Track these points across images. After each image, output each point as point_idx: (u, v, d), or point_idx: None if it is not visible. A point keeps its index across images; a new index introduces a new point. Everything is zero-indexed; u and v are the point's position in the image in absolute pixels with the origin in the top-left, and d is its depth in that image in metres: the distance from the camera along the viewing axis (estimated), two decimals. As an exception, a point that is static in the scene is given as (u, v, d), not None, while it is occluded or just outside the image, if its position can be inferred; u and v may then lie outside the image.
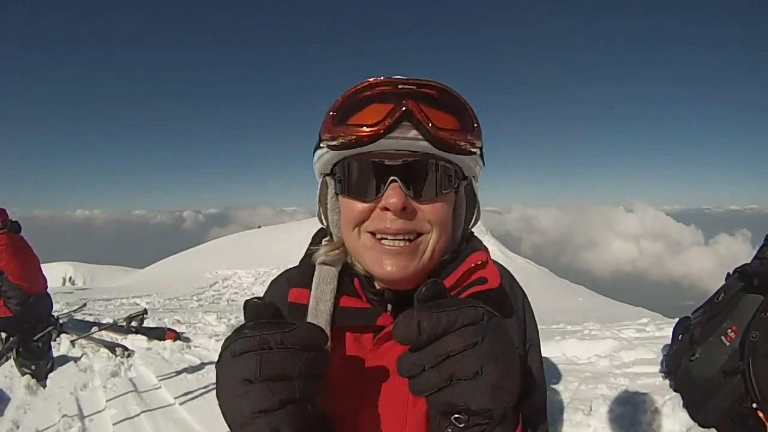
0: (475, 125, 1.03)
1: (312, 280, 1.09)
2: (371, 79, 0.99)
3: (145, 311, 5.65)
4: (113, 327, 5.35)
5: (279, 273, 1.32)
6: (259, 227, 34.29)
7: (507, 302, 1.17)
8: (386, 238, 0.99)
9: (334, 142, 0.98)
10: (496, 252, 24.32)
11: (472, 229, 1.20)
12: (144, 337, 5.05)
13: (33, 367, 4.10)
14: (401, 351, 0.92)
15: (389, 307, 1.06)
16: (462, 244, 1.13)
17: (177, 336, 5.10)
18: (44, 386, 3.95)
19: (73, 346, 4.69)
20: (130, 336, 5.11)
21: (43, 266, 4.92)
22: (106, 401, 3.50)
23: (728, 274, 3.16)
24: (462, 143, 1.00)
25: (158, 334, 5.17)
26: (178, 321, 6.70)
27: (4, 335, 4.40)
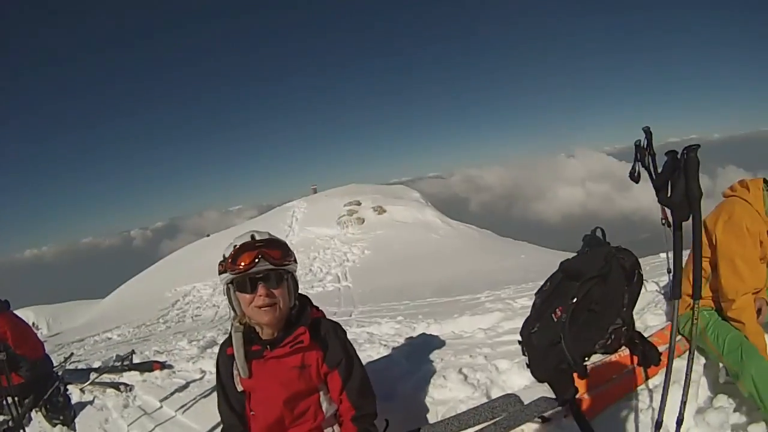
0: (291, 252, 2.46)
1: (231, 341, 2.50)
2: (244, 243, 2.35)
3: (133, 352, 6.86)
4: (109, 369, 6.48)
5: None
6: (208, 236, 33.47)
7: (329, 329, 2.64)
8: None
9: (233, 275, 2.34)
10: (437, 222, 25.19)
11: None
12: (137, 372, 6.20)
13: (61, 417, 5.19)
14: (280, 365, 2.44)
15: (268, 346, 2.47)
16: (297, 301, 2.54)
17: (162, 365, 6.24)
18: (74, 429, 5.00)
19: (83, 393, 5.77)
20: (125, 374, 6.24)
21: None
22: (127, 426, 4.69)
23: (561, 263, 3.88)
24: (287, 263, 2.41)
25: (147, 367, 6.30)
26: (158, 351, 7.80)
27: (20, 400, 5.49)
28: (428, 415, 3.76)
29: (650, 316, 4.44)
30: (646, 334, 3.97)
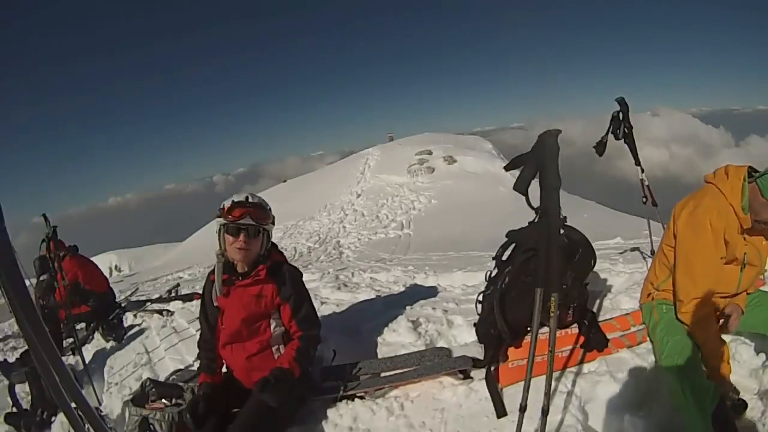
0: (270, 216, 3.30)
1: (215, 269, 3.30)
2: (239, 201, 3.19)
3: (178, 284, 7.92)
4: (160, 300, 7.65)
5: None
6: (285, 181, 34.56)
7: (286, 271, 3.35)
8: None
9: (226, 221, 3.15)
10: (506, 175, 24.47)
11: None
12: (180, 301, 7.17)
13: (114, 335, 6.30)
14: (244, 292, 3.28)
15: (240, 277, 3.26)
16: (268, 247, 3.34)
17: (201, 296, 7.17)
18: (121, 343, 6.14)
19: (135, 318, 6.84)
20: (171, 303, 7.24)
21: (90, 261, 7.16)
22: (160, 341, 5.57)
23: (508, 233, 3.73)
24: (265, 223, 3.23)
25: (189, 297, 7.31)
26: (206, 286, 8.72)
27: (87, 324, 6.75)
28: (374, 353, 4.25)
29: (626, 298, 4.21)
30: (610, 316, 3.87)
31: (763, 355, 3.14)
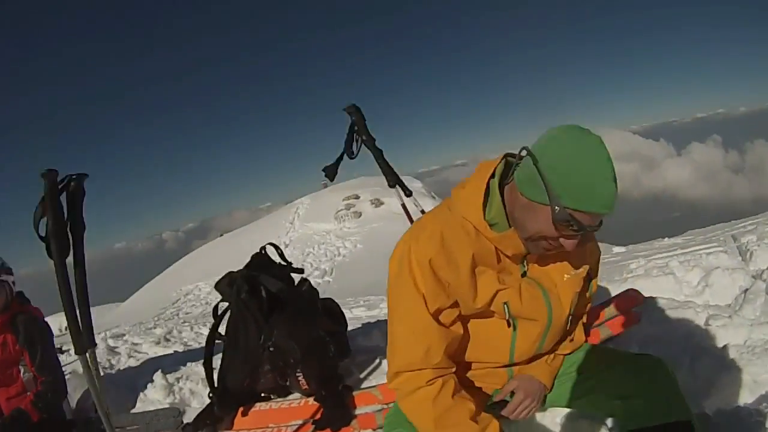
0: (6, 269, 3.39)
1: None
2: None
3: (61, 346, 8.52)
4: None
5: None
6: (221, 235, 34.09)
7: (21, 321, 3.38)
8: None
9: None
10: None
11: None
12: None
13: None
14: None
15: None
16: (12, 296, 3.40)
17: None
18: None
19: None
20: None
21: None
22: None
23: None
24: (1, 275, 3.34)
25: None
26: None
27: None
28: (132, 408, 4.02)
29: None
30: (377, 382, 3.14)
31: None
